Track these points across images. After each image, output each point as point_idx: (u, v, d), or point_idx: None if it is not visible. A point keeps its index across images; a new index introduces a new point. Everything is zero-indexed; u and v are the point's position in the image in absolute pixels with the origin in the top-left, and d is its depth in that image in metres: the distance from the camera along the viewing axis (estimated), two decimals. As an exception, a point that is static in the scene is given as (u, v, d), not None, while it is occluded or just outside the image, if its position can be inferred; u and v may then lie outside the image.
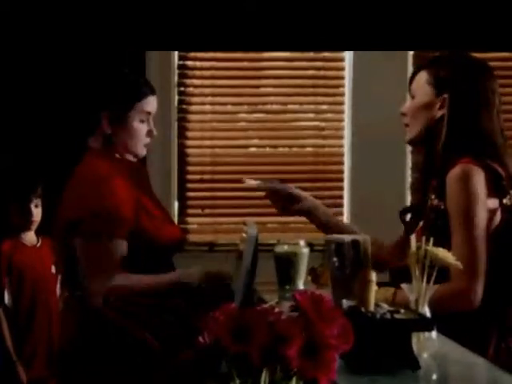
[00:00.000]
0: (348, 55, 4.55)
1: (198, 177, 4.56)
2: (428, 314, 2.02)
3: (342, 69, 4.58)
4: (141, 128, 2.73)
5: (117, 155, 2.74)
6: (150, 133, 2.76)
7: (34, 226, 3.82)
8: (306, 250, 2.80)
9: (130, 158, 2.77)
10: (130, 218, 2.63)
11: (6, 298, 3.71)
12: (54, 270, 3.82)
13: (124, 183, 2.67)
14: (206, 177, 4.56)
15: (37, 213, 3.79)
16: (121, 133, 2.72)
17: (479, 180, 2.44)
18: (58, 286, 3.83)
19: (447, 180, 2.46)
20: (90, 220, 2.60)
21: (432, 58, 2.73)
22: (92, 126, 2.75)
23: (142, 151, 2.78)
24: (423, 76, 2.63)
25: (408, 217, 2.67)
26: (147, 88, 2.77)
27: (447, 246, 2.26)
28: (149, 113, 2.74)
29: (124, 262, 2.63)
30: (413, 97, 2.66)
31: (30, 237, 3.83)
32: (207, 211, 4.56)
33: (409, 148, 4.40)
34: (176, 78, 4.48)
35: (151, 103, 2.76)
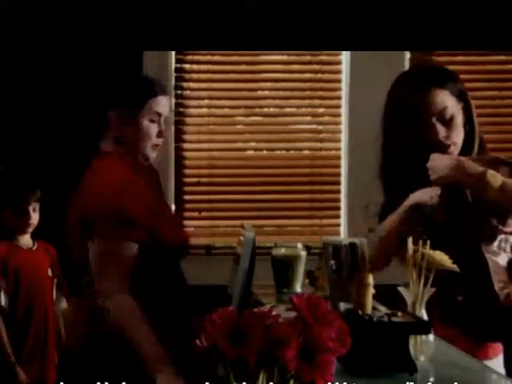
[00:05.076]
0: (345, 58, 4.55)
1: (194, 180, 4.55)
2: (425, 316, 2.02)
3: (339, 72, 4.58)
4: (151, 128, 2.65)
5: (129, 158, 2.68)
6: (160, 134, 2.69)
7: (31, 229, 3.81)
8: (303, 253, 2.81)
9: (141, 160, 2.71)
10: (146, 221, 2.57)
11: (3, 301, 3.70)
12: (50, 272, 3.81)
13: (142, 187, 2.61)
14: (203, 180, 4.56)
15: (34, 216, 3.78)
16: (130, 133, 2.66)
17: None
18: (55, 288, 3.83)
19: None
20: (104, 221, 2.53)
21: (435, 75, 2.54)
22: (101, 128, 2.69)
23: (153, 153, 2.70)
24: (441, 93, 2.49)
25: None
26: (157, 88, 2.71)
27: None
28: (159, 113, 2.68)
29: (135, 265, 2.56)
30: (450, 119, 2.48)
31: (25, 240, 3.82)
32: (204, 214, 4.56)
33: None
34: (173, 81, 4.47)
35: (162, 103, 2.69)
